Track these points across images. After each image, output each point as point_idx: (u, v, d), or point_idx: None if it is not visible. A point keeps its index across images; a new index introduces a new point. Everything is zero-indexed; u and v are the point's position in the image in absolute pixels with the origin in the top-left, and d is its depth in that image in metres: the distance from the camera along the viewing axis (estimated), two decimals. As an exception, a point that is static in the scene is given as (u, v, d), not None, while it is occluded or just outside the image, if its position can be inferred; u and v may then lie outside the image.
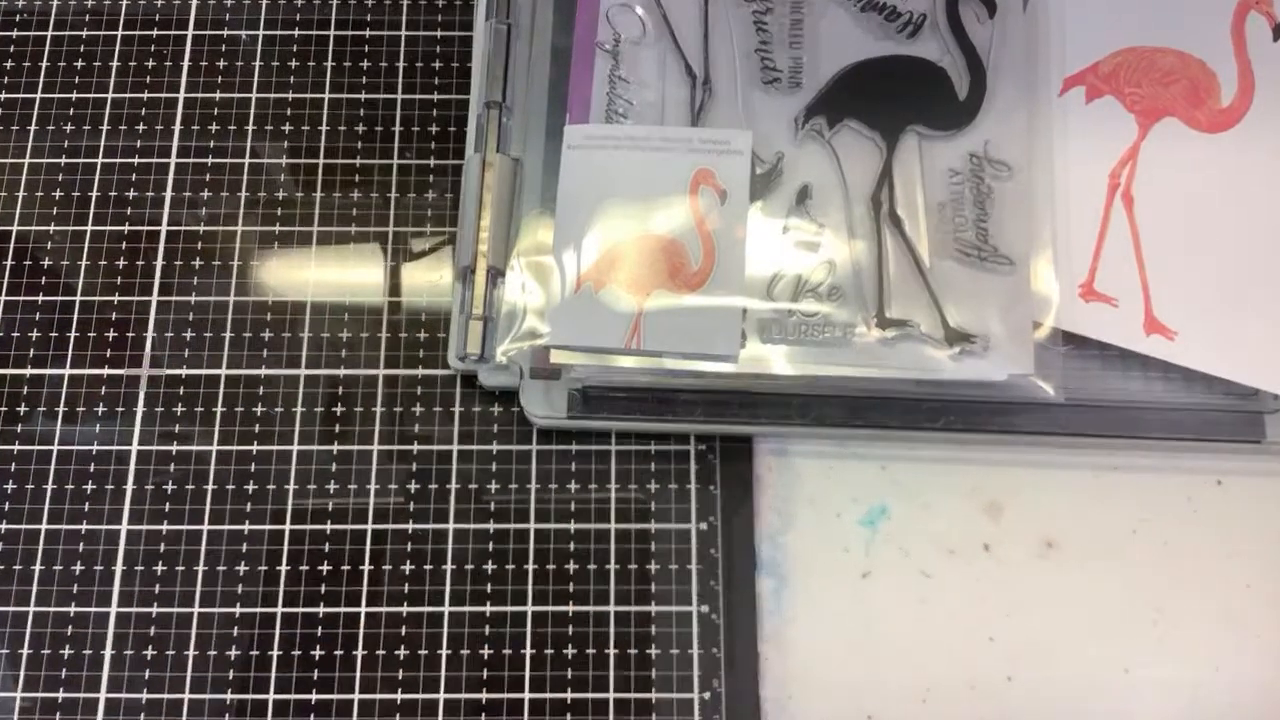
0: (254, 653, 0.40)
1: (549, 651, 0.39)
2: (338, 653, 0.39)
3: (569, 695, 0.39)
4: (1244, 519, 0.41)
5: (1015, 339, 0.39)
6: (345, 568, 0.40)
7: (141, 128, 0.46)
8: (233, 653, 0.40)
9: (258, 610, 0.40)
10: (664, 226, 0.41)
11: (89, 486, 0.41)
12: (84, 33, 0.47)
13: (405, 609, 0.40)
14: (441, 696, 0.39)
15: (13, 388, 0.43)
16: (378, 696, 0.39)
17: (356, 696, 0.39)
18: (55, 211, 0.45)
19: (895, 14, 0.43)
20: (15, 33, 0.48)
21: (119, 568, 0.41)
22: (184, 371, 0.43)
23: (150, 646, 0.40)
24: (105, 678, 0.39)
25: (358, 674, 0.39)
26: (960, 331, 0.39)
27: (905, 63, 0.42)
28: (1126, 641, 0.39)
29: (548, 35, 0.44)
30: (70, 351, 0.43)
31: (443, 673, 0.39)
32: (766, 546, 0.41)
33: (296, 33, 0.48)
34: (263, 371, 0.43)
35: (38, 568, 0.41)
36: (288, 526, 0.41)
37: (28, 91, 0.47)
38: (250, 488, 0.41)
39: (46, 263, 0.44)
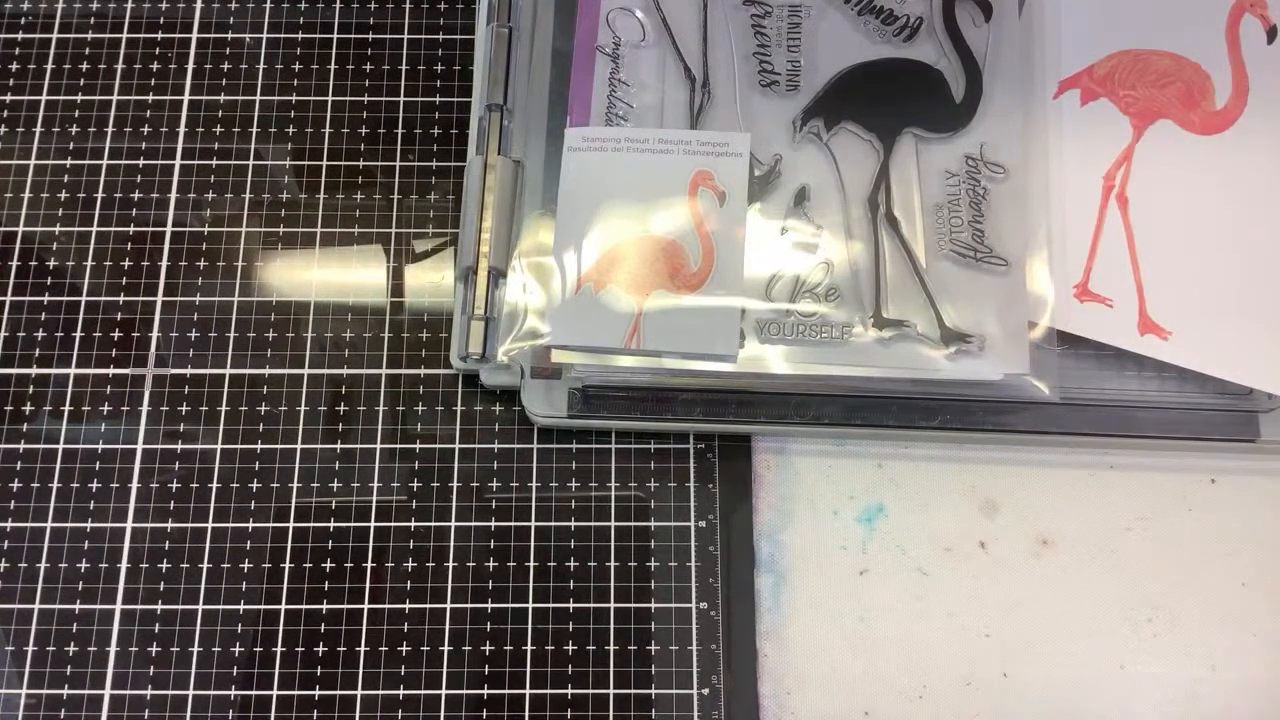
0: (258, 649, 0.40)
1: (549, 648, 0.40)
2: (340, 649, 0.40)
3: (569, 691, 0.39)
4: (1239, 517, 0.41)
5: (1011, 339, 0.39)
6: (348, 565, 0.41)
7: (146, 130, 0.46)
8: (237, 649, 0.40)
9: (261, 607, 0.40)
10: (663, 228, 0.41)
11: (94, 485, 0.42)
12: (89, 35, 0.48)
13: (407, 606, 0.40)
14: (443, 692, 0.39)
15: (19, 387, 0.43)
16: (380, 692, 0.39)
17: (359, 692, 0.39)
18: (61, 212, 0.45)
19: (892, 17, 0.43)
20: (21, 35, 0.48)
21: (124, 565, 0.41)
22: (188, 371, 0.43)
23: (155, 643, 0.40)
24: (110, 674, 0.40)
25: (360, 670, 0.39)
26: (956, 331, 0.40)
27: (902, 65, 0.43)
28: (1122, 639, 0.40)
29: (548, 39, 0.45)
30: (76, 351, 0.43)
31: (444, 669, 0.40)
32: (765, 544, 0.41)
33: (300, 36, 0.48)
34: (266, 371, 0.43)
35: (43, 565, 0.41)
36: (291, 524, 0.41)
37: (33, 94, 0.47)
38: (254, 486, 0.42)
39: (52, 263, 0.45)
